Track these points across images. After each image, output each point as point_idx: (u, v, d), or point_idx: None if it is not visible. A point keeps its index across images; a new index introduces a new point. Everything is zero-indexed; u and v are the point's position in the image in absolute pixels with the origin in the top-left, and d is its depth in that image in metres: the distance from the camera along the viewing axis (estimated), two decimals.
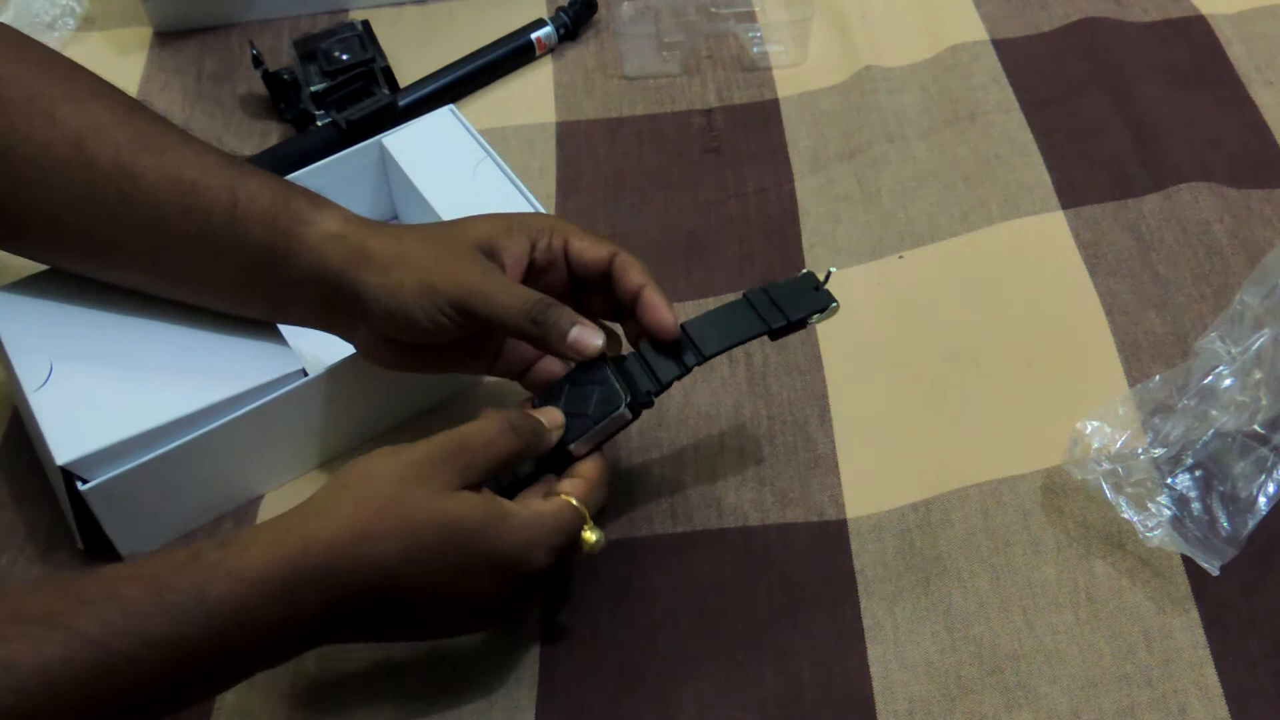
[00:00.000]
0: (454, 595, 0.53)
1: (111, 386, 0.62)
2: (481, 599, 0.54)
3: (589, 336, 0.57)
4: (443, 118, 0.75)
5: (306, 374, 0.64)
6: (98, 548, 0.64)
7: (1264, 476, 0.60)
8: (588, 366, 0.58)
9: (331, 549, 0.50)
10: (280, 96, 0.85)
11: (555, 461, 0.57)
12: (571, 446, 0.57)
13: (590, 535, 0.56)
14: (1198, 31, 0.87)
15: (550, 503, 0.55)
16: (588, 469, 0.57)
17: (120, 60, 0.92)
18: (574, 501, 0.55)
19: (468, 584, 0.53)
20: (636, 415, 0.58)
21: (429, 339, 0.58)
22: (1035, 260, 0.74)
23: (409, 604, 0.53)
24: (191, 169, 0.60)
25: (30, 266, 0.67)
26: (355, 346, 0.62)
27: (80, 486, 0.60)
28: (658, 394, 0.58)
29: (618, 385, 0.57)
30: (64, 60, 0.63)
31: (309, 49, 0.88)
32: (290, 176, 0.72)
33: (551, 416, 0.57)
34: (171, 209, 0.59)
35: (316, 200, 0.61)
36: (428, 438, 0.54)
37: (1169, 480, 0.61)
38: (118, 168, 0.59)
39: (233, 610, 0.48)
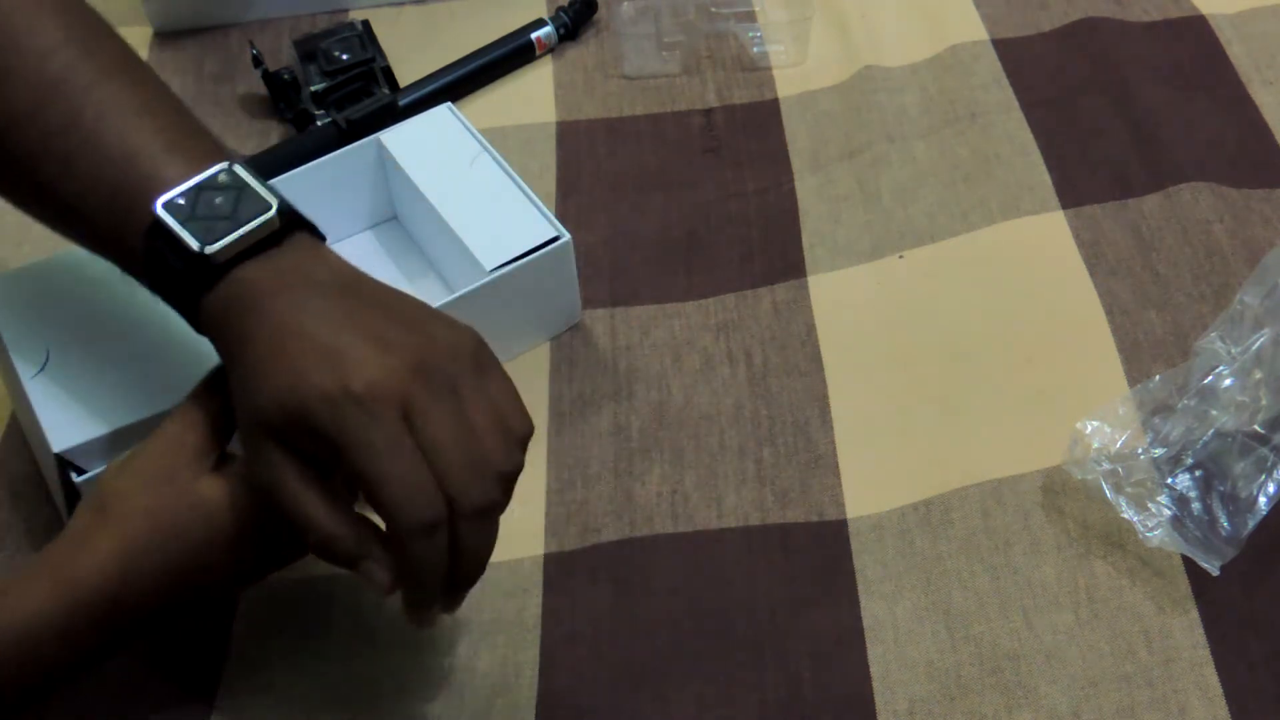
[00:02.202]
0: (225, 569, 0.53)
1: (108, 375, 0.62)
2: (251, 562, 0.54)
3: None
4: (440, 115, 0.75)
5: None
6: None
7: (1264, 476, 0.60)
8: (220, 171, 0.54)
9: (104, 581, 0.50)
10: (280, 96, 0.85)
11: None
12: (210, 250, 0.52)
13: None
14: (1198, 31, 0.87)
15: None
16: None
17: None
18: None
19: (240, 554, 0.52)
20: (285, 225, 0.53)
21: None
22: (1035, 260, 0.74)
23: (195, 588, 0.52)
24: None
25: (28, 256, 0.67)
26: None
27: (75, 478, 0.60)
28: None
29: (262, 189, 0.53)
30: None
31: (309, 49, 0.88)
32: (289, 175, 0.72)
33: None
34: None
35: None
36: (157, 432, 0.53)
37: (1169, 480, 0.61)
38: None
39: (17, 652, 0.49)
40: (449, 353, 0.50)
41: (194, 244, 0.51)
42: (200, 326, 0.53)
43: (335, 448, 0.47)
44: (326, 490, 0.49)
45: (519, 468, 0.51)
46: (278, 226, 0.52)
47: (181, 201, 0.52)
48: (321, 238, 0.55)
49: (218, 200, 0.52)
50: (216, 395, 0.53)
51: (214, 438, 0.53)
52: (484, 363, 0.52)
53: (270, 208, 0.52)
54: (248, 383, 0.50)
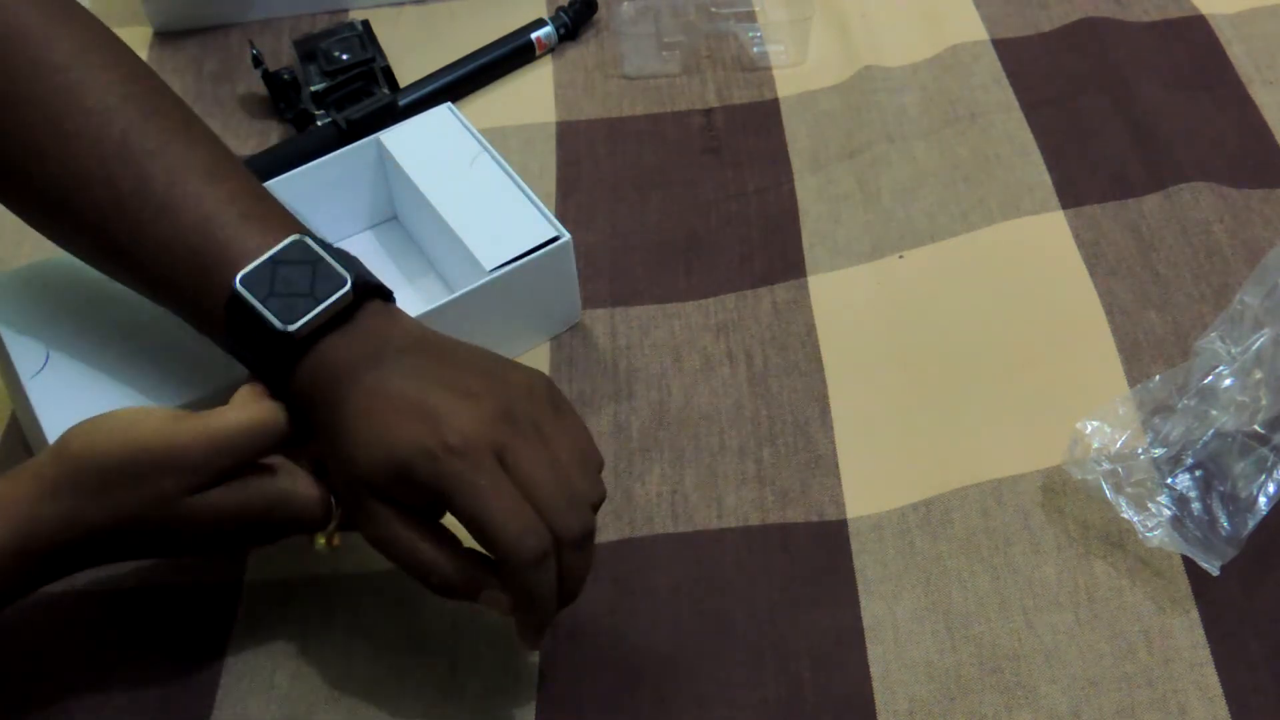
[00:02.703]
0: (193, 546, 0.55)
1: (108, 375, 0.62)
2: (223, 544, 0.56)
3: None
4: (440, 115, 0.75)
5: None
6: None
7: (1264, 476, 0.60)
8: (293, 246, 0.56)
9: (59, 527, 0.51)
10: (280, 96, 0.85)
11: None
12: (293, 329, 0.54)
13: (320, 539, 0.56)
14: (1198, 31, 0.87)
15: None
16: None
17: None
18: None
19: (207, 538, 0.54)
20: (359, 298, 0.55)
21: None
22: (1035, 260, 0.74)
23: (143, 551, 0.55)
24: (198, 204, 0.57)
25: (28, 256, 0.67)
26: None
27: None
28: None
29: (335, 264, 0.55)
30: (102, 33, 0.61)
31: (309, 49, 0.88)
32: (289, 175, 0.72)
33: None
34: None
35: None
36: (194, 415, 0.53)
37: (1169, 480, 0.61)
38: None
39: None
40: (527, 395, 0.54)
41: (277, 324, 0.53)
42: (287, 396, 0.55)
43: (441, 497, 0.51)
44: (435, 535, 0.53)
45: (603, 496, 0.55)
46: (352, 300, 0.54)
47: (258, 276, 0.54)
48: (390, 298, 0.57)
49: (294, 276, 0.54)
50: (248, 439, 0.53)
51: (225, 469, 0.52)
52: (558, 402, 0.55)
53: (345, 282, 0.55)
54: (344, 449, 0.53)
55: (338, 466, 0.54)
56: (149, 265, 0.58)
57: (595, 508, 0.54)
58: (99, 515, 0.51)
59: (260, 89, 0.87)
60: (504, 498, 0.51)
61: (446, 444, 0.50)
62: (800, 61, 0.88)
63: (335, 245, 0.57)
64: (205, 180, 0.57)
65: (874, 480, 0.65)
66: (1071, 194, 0.77)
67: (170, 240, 0.56)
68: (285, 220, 0.58)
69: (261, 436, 0.53)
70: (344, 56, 0.86)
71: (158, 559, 0.64)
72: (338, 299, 0.54)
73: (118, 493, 0.51)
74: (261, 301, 0.54)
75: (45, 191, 0.59)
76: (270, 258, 0.55)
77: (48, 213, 0.60)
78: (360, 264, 0.57)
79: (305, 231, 0.57)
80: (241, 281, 0.54)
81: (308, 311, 0.53)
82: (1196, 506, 0.60)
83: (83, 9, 0.61)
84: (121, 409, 0.53)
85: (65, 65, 0.58)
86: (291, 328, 0.53)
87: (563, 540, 0.52)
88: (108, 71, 0.59)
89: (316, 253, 0.55)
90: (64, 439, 0.52)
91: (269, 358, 0.54)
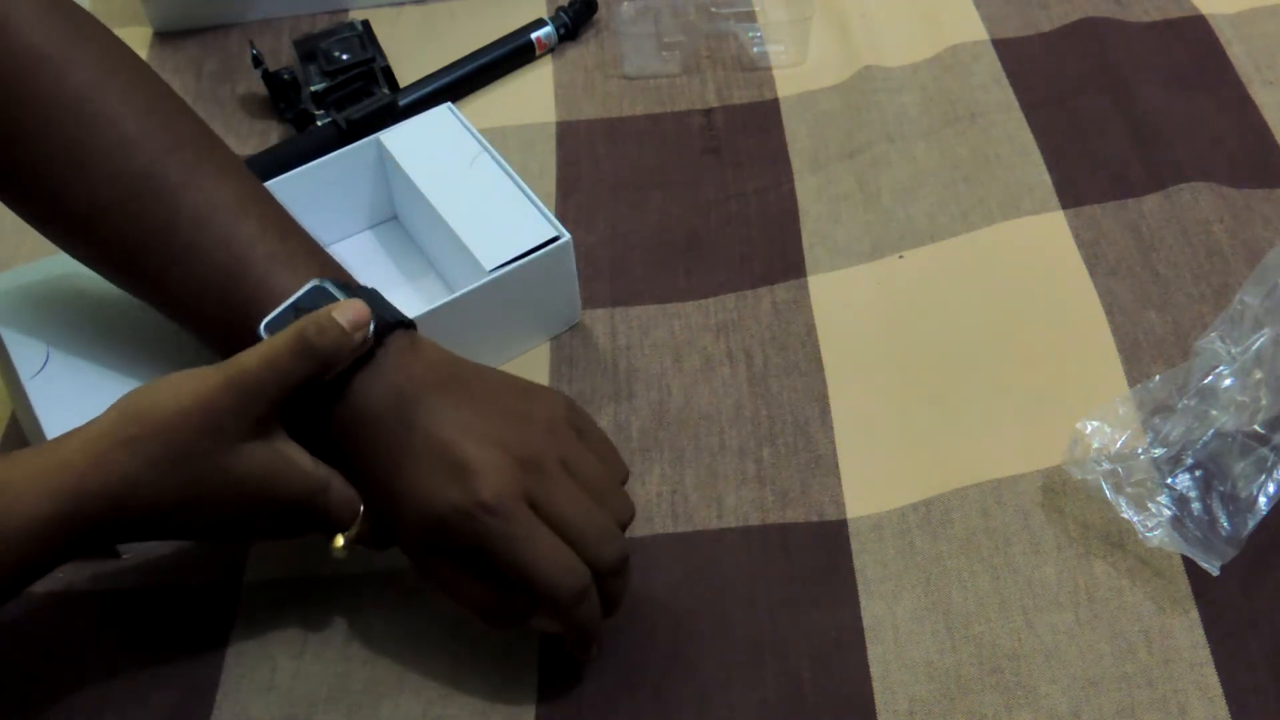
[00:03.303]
0: (230, 524, 0.55)
1: (109, 375, 0.62)
2: (258, 525, 0.56)
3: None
4: (440, 115, 0.75)
5: None
6: None
7: (1264, 476, 0.60)
8: (313, 293, 0.57)
9: (106, 501, 0.51)
10: (280, 96, 0.85)
11: None
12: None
13: (338, 541, 0.56)
14: (1198, 31, 0.87)
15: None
16: None
17: None
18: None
19: (254, 522, 0.55)
20: (379, 341, 0.56)
21: None
22: (1035, 260, 0.74)
23: (184, 528, 0.55)
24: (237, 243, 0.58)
25: (28, 256, 0.67)
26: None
27: None
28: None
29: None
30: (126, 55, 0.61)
31: (309, 49, 0.88)
32: (289, 175, 0.72)
33: (353, 313, 0.54)
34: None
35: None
36: (215, 367, 0.53)
37: (1169, 480, 0.61)
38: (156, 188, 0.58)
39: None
40: (550, 429, 0.56)
41: None
42: (328, 441, 0.56)
43: (481, 551, 0.53)
44: (483, 573, 0.54)
45: (633, 512, 0.57)
46: (373, 343, 0.55)
47: (281, 322, 0.55)
48: (412, 326, 0.58)
49: None
50: (298, 362, 0.53)
51: (257, 406, 0.53)
52: (580, 424, 0.57)
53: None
54: (386, 502, 0.55)
55: (386, 513, 0.56)
56: (174, 301, 0.59)
57: (626, 525, 0.56)
58: (152, 487, 0.51)
59: (260, 89, 0.87)
60: (540, 544, 0.53)
61: (481, 502, 0.52)
62: (800, 61, 0.89)
63: (334, 245, 0.58)
64: (231, 217, 0.58)
65: (874, 480, 0.65)
66: (1071, 194, 0.77)
67: (197, 282, 0.58)
68: (310, 258, 0.59)
69: (281, 371, 0.53)
70: (344, 56, 0.86)
71: (180, 545, 0.64)
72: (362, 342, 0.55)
73: (165, 464, 0.51)
74: None
75: (70, 221, 0.59)
76: (291, 304, 0.56)
77: (72, 240, 0.61)
78: (381, 299, 0.57)
79: (330, 271, 0.58)
80: (265, 328, 0.55)
81: None
82: (1196, 506, 0.60)
83: (102, 28, 0.61)
84: (171, 375, 0.53)
85: (84, 96, 0.58)
86: None
87: (600, 571, 0.54)
88: (127, 102, 0.59)
89: (335, 297, 0.56)
90: (119, 408, 0.52)
91: (302, 402, 0.55)
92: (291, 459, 0.54)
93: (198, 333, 0.60)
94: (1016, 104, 0.83)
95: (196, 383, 0.52)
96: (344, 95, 0.85)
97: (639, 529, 0.64)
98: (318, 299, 0.56)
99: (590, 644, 0.57)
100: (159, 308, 0.61)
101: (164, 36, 0.94)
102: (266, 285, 0.57)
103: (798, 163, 0.82)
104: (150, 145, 0.58)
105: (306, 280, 0.57)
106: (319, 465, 0.55)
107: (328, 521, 0.56)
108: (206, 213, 0.58)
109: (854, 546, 0.63)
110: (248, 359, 0.53)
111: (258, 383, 0.52)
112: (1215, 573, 0.58)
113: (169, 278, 0.58)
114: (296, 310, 0.56)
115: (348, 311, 0.54)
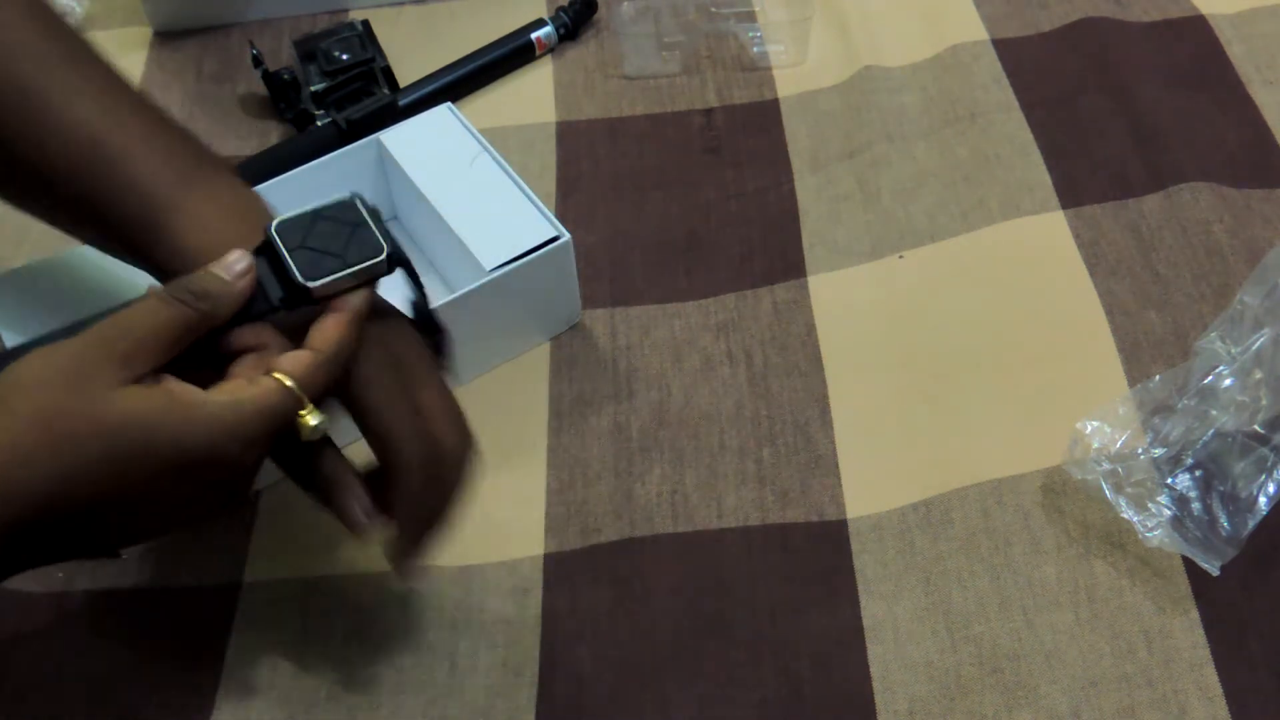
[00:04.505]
0: (134, 503, 0.47)
1: None
2: (170, 503, 0.48)
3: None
4: (440, 115, 0.75)
5: None
6: None
7: (1264, 476, 0.60)
8: (341, 205, 0.54)
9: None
10: (280, 96, 0.85)
11: (297, 303, 0.52)
12: (313, 285, 0.51)
13: (309, 419, 0.50)
14: (1198, 31, 0.87)
15: (256, 385, 0.49)
16: (320, 339, 0.51)
17: (120, 60, 0.91)
18: (287, 382, 0.49)
19: (149, 489, 0.47)
20: (390, 271, 0.54)
21: None
22: (1035, 260, 0.74)
23: (80, 521, 0.47)
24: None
25: (28, 256, 0.67)
26: None
27: None
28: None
29: (376, 231, 0.53)
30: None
31: (309, 49, 0.88)
32: (289, 175, 0.72)
33: (230, 263, 0.50)
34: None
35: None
36: (86, 330, 0.47)
37: (1169, 480, 0.61)
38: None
39: None
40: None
41: (298, 276, 0.51)
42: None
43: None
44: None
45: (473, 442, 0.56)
46: (385, 272, 0.53)
47: (295, 225, 0.52)
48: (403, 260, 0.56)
49: (332, 233, 0.53)
50: (173, 308, 0.48)
51: (138, 360, 0.47)
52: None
53: (381, 251, 0.53)
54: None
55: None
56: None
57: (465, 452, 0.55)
58: (29, 457, 0.45)
59: (260, 89, 0.87)
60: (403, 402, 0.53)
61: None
62: (800, 61, 0.89)
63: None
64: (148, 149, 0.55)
65: (874, 480, 0.65)
66: (1071, 194, 0.77)
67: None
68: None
69: (161, 318, 0.48)
70: (344, 56, 0.86)
71: (180, 544, 0.63)
72: (367, 266, 0.52)
73: (37, 430, 0.45)
74: (291, 252, 0.52)
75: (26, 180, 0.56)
76: (314, 210, 0.53)
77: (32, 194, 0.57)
78: (398, 244, 0.54)
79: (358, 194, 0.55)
80: (277, 227, 0.52)
81: (333, 272, 0.52)
82: (1196, 506, 0.60)
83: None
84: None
85: (32, 72, 0.55)
86: (312, 284, 0.51)
87: (449, 448, 0.53)
88: (74, 76, 0.57)
89: (361, 215, 0.53)
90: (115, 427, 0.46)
91: (286, 308, 0.52)
92: (191, 402, 0.47)
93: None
94: (1016, 104, 0.83)
95: (72, 343, 0.47)
96: (344, 95, 0.85)
97: (639, 529, 0.64)
98: (344, 212, 0.53)
99: (424, 534, 0.54)
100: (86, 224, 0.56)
101: (164, 36, 0.94)
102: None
103: (798, 163, 0.82)
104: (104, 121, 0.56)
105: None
106: (245, 404, 0.48)
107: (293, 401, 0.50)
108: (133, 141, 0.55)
109: (854, 546, 0.63)
110: (126, 311, 0.48)
111: (126, 326, 0.47)
112: (1215, 573, 0.58)
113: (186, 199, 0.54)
114: (315, 218, 0.53)
115: (233, 265, 0.51)
